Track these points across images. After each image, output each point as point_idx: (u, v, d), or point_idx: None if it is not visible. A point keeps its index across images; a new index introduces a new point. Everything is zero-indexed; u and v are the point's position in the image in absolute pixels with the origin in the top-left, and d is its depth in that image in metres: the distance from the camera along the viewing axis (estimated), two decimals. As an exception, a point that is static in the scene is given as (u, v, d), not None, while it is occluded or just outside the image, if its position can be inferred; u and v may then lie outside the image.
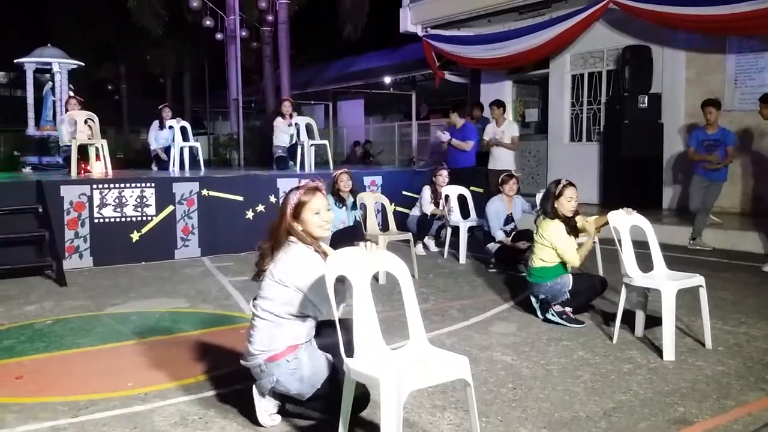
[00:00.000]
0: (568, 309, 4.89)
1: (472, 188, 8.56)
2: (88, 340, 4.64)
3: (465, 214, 8.11)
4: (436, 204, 8.07)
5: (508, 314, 5.23)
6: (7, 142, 12.71)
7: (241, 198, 8.26)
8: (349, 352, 2.85)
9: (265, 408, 3.20)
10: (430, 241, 8.33)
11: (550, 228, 4.88)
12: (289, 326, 3.12)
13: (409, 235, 6.93)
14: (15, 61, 14.79)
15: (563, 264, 4.90)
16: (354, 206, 7.01)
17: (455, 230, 7.80)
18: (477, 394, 2.85)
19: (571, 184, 4.91)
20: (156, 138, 11.17)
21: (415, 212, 8.26)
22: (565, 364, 4.04)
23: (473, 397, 2.79)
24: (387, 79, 19.25)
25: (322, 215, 3.15)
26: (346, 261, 2.97)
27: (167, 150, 10.73)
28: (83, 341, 4.63)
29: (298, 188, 3.20)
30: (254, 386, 3.21)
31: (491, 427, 3.15)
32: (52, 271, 6.58)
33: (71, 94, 10.51)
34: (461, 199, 8.15)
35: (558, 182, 4.94)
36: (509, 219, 7.15)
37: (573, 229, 4.93)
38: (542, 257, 4.92)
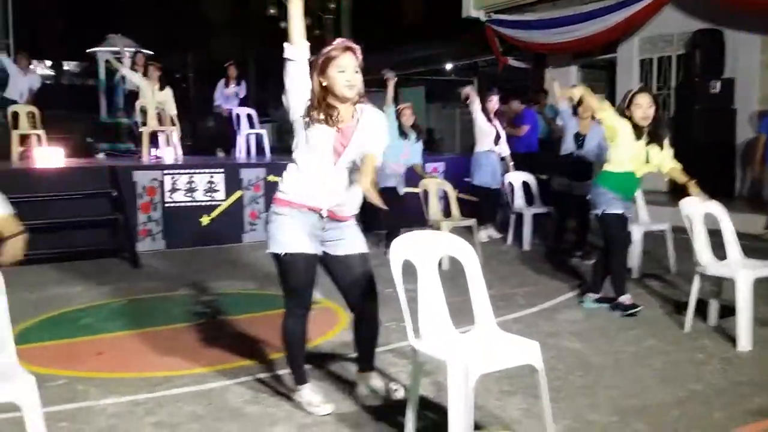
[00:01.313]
0: (623, 298, 4.74)
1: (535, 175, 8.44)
2: (162, 320, 4.82)
3: (529, 201, 8.01)
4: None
5: (576, 301, 5.17)
6: (80, 129, 13.20)
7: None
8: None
9: (308, 402, 3.23)
10: (493, 231, 8.25)
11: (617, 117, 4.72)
12: (290, 174, 3.15)
13: (473, 222, 6.90)
14: (87, 50, 15.36)
15: (626, 183, 4.75)
16: (418, 140, 7.14)
17: (519, 217, 7.73)
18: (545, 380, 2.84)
19: (644, 90, 4.76)
20: (222, 95, 11.40)
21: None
22: (635, 352, 3.97)
23: (545, 382, 2.78)
24: (448, 66, 19.12)
25: (348, 75, 3.05)
26: (411, 245, 2.99)
27: (230, 114, 10.90)
28: (157, 320, 4.81)
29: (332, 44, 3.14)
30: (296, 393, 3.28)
31: (560, 413, 3.13)
32: (126, 253, 6.83)
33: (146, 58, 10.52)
34: (525, 186, 8.05)
35: (631, 90, 4.82)
36: (580, 139, 6.71)
37: (654, 136, 4.72)
38: (608, 158, 4.81)
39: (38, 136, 8.95)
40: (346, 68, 3.04)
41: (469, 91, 8.10)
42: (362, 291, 3.23)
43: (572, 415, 3.12)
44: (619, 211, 4.75)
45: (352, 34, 16.74)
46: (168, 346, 4.24)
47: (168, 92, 9.37)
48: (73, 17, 17.47)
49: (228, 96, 11.32)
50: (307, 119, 3.07)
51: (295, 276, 3.14)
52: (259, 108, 12.06)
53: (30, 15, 11.53)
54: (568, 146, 6.82)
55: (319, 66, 3.06)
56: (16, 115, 9.07)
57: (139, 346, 4.27)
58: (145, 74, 9.53)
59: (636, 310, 4.70)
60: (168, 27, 10.69)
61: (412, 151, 7.29)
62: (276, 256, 3.12)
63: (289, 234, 3.09)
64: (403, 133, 7.15)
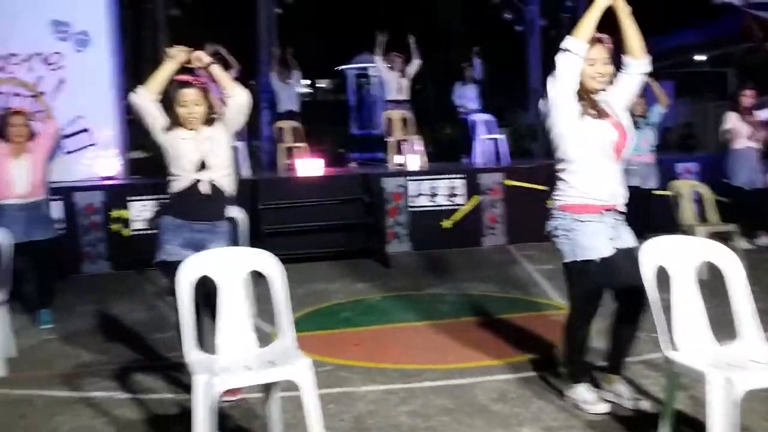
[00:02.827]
0: None
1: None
2: (411, 316, 5.14)
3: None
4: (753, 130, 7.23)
5: None
6: (334, 141, 14.43)
7: (544, 187, 8.31)
8: None
9: (584, 399, 3.25)
10: (765, 238, 7.47)
11: None
12: (572, 176, 3.16)
13: (733, 227, 6.33)
14: (337, 68, 16.74)
15: None
16: (647, 125, 6.91)
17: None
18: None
19: None
20: (459, 95, 11.69)
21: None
22: None
23: (824, 404, 2.52)
24: (700, 57, 17.67)
25: (597, 66, 3.09)
26: (666, 249, 2.89)
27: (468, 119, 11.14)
28: (407, 317, 5.15)
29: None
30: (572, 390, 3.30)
31: None
32: (377, 253, 7.36)
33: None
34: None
35: None
36: None
37: None
38: None
39: (300, 148, 9.95)
40: (596, 60, 3.09)
41: None
42: (633, 287, 3.09)
43: None
44: None
45: (597, 29, 16.16)
46: (418, 341, 4.53)
47: (408, 77, 9.94)
48: (326, 38, 19.08)
49: (466, 96, 11.60)
50: (577, 112, 3.12)
51: (587, 280, 3.15)
52: (496, 112, 12.18)
53: (291, 37, 12.85)
54: None
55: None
56: (281, 130, 10.19)
57: (391, 340, 4.63)
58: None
59: None
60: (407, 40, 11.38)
61: (646, 134, 6.91)
62: (584, 263, 3.13)
63: (597, 239, 3.11)
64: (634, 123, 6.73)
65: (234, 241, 4.24)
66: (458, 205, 8.11)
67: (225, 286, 3.01)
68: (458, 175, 8.16)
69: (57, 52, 8.49)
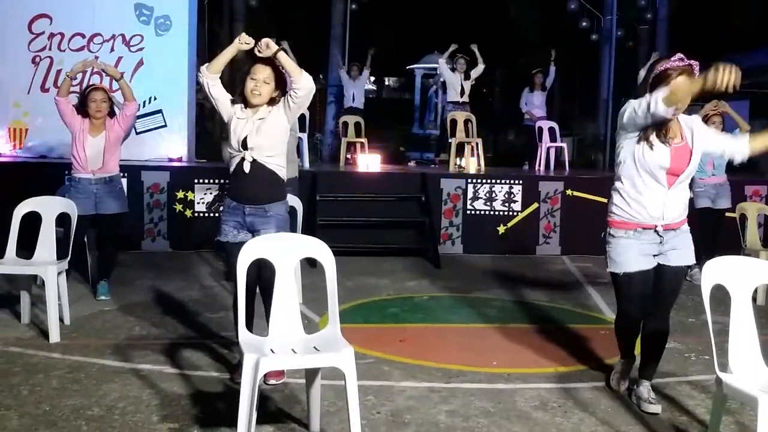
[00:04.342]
0: None
1: None
2: (458, 318, 5.15)
3: None
4: None
5: None
6: (395, 138, 14.50)
7: (605, 200, 8.14)
8: None
9: (639, 396, 3.32)
10: None
11: None
12: (620, 193, 3.23)
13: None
14: (407, 67, 16.78)
15: None
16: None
17: None
18: None
19: None
20: (526, 102, 11.57)
21: None
22: None
23: None
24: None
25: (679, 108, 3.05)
26: (725, 269, 2.82)
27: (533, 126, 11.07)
28: (453, 318, 5.16)
29: (671, 59, 3.07)
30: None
31: None
32: (429, 253, 7.36)
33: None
34: None
35: None
36: None
37: None
38: None
39: (362, 143, 10.04)
40: (680, 110, 3.06)
41: None
42: (666, 303, 3.30)
43: None
44: None
45: (669, 44, 15.77)
46: (462, 343, 4.53)
47: (470, 81, 9.95)
48: (397, 36, 19.15)
49: (532, 103, 11.49)
50: (639, 135, 3.10)
51: (629, 291, 3.27)
52: (562, 121, 12.00)
53: (362, 34, 12.98)
54: None
55: (651, 81, 3.08)
56: (345, 124, 10.32)
57: (436, 339, 4.63)
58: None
59: None
60: (482, 45, 11.26)
61: (715, 160, 6.62)
62: (614, 275, 3.29)
63: (625, 255, 3.21)
64: None
65: (293, 229, 4.31)
66: (515, 211, 8.03)
67: (280, 270, 3.05)
68: (517, 181, 8.09)
69: (138, 35, 8.83)
